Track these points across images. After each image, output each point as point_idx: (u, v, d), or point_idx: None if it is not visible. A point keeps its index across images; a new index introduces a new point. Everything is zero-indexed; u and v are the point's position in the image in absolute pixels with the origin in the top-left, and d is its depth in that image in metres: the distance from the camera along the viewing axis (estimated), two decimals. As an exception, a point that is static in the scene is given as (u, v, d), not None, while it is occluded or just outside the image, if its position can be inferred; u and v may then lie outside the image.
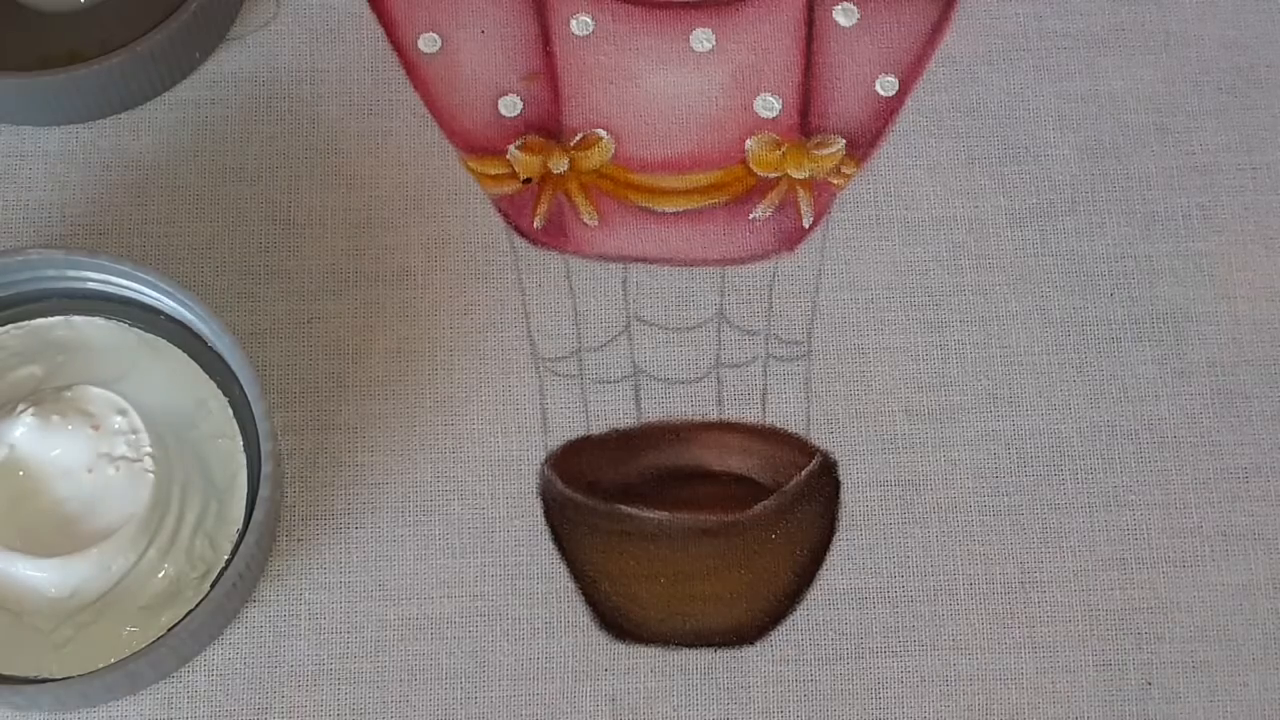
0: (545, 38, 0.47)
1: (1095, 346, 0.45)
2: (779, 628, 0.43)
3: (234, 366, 0.41)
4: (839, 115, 0.47)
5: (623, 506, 0.44)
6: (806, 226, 0.46)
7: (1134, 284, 0.46)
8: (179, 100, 0.46)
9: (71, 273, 0.42)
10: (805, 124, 0.47)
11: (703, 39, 0.47)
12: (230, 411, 0.42)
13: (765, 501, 0.44)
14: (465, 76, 0.46)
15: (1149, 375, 0.45)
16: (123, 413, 0.40)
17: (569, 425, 0.44)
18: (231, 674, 0.42)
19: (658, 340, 0.45)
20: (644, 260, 0.46)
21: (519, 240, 0.46)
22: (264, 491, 0.40)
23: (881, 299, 0.46)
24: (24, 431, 0.40)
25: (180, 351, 0.42)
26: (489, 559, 0.43)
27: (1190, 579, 0.44)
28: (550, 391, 0.45)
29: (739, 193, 0.46)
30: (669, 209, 0.46)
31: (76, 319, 0.42)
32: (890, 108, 0.47)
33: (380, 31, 0.47)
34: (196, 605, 0.40)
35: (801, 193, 0.46)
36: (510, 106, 0.46)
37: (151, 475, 0.40)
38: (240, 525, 0.41)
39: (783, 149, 0.46)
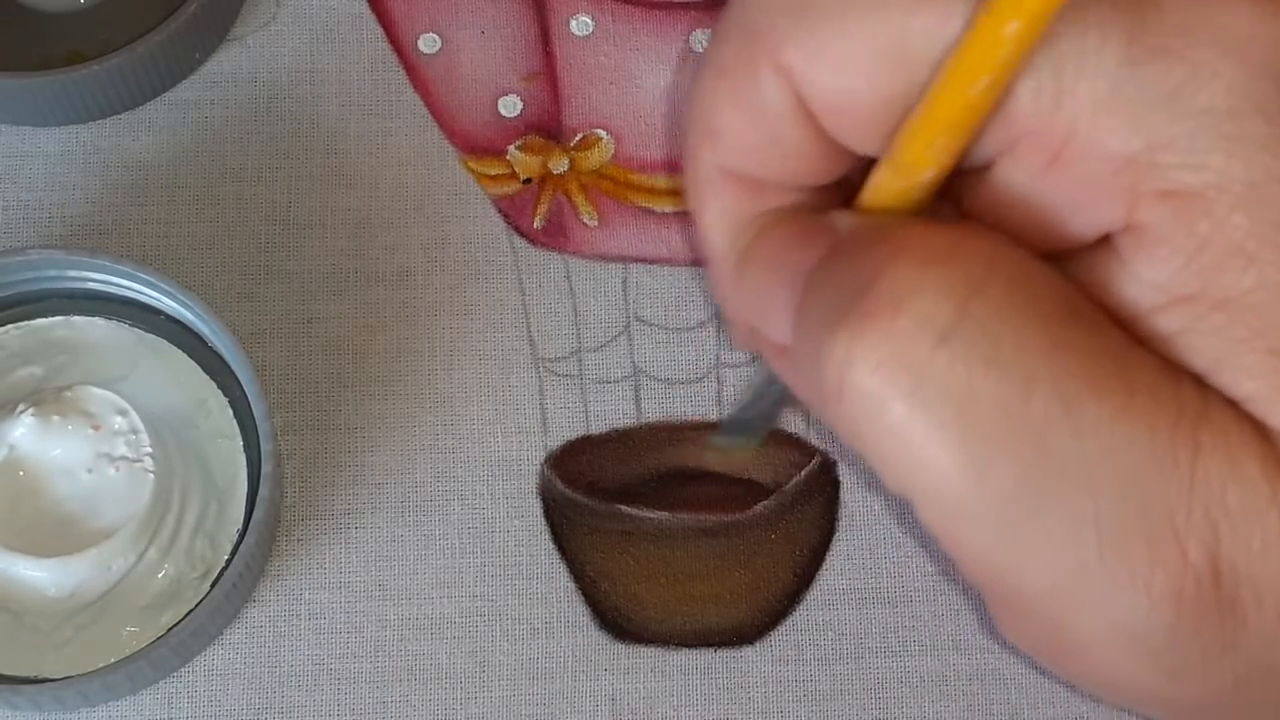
0: (545, 38, 0.47)
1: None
2: (779, 628, 0.43)
3: (234, 366, 0.41)
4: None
5: (623, 506, 0.44)
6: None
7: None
8: (179, 100, 0.46)
9: (71, 273, 0.42)
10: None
11: (702, 39, 0.47)
12: (230, 411, 0.42)
13: (765, 501, 0.44)
14: (465, 76, 0.46)
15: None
16: (123, 413, 0.40)
17: (569, 425, 0.44)
18: (231, 674, 0.42)
19: (658, 340, 0.45)
20: (644, 260, 0.46)
21: (519, 240, 0.46)
22: (264, 491, 0.40)
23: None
24: (24, 431, 0.40)
25: (180, 351, 0.42)
26: (489, 559, 0.43)
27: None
28: (550, 391, 0.45)
29: (739, 193, 0.46)
30: (669, 209, 0.46)
31: (76, 319, 0.42)
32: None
33: (380, 31, 0.47)
34: (196, 605, 0.40)
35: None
36: (510, 106, 0.46)
37: (151, 475, 0.40)
38: (240, 525, 0.41)
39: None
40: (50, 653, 0.40)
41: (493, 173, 0.46)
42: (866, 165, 0.34)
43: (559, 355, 0.45)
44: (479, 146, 0.46)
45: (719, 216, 0.36)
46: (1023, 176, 0.33)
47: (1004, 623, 0.34)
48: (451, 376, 0.45)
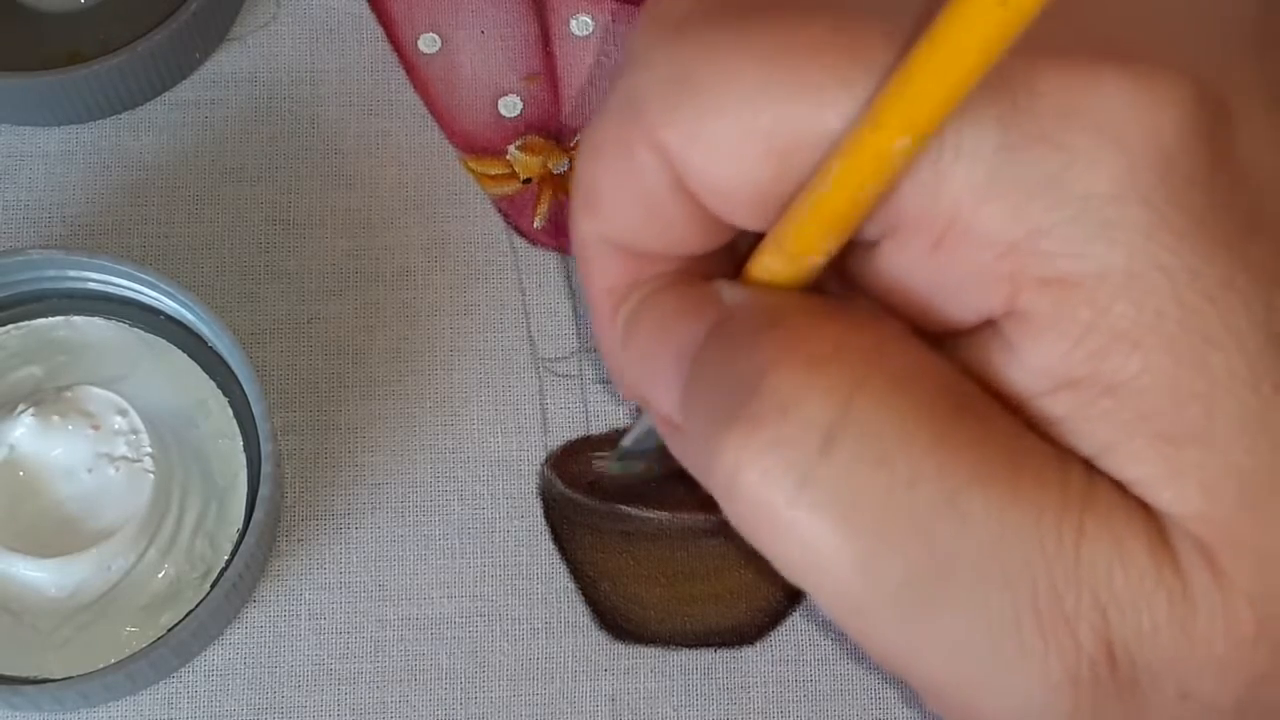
0: (545, 38, 0.47)
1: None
2: (779, 628, 0.43)
3: (234, 366, 0.41)
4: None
5: (623, 506, 0.44)
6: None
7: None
8: (179, 100, 0.46)
9: (71, 273, 0.42)
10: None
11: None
12: (230, 411, 0.42)
13: (765, 501, 0.44)
14: (465, 76, 0.46)
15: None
16: (123, 413, 0.40)
17: (569, 425, 0.44)
18: (231, 674, 0.42)
19: (658, 340, 0.45)
20: (644, 260, 0.46)
21: (519, 240, 0.46)
22: (264, 491, 0.40)
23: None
24: (24, 431, 0.40)
25: (180, 351, 0.42)
26: (489, 559, 0.43)
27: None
28: (550, 391, 0.45)
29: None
30: (669, 209, 0.46)
31: (76, 319, 0.42)
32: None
33: (380, 31, 0.47)
34: (196, 605, 0.40)
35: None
36: (510, 106, 0.46)
37: (151, 475, 0.40)
38: (240, 525, 0.41)
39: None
40: (50, 653, 0.40)
41: (493, 173, 0.46)
42: (753, 234, 0.34)
43: (559, 355, 0.45)
44: (479, 146, 0.46)
45: (603, 283, 0.36)
46: (906, 260, 0.32)
47: (925, 702, 0.34)
48: (451, 376, 0.45)
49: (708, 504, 0.44)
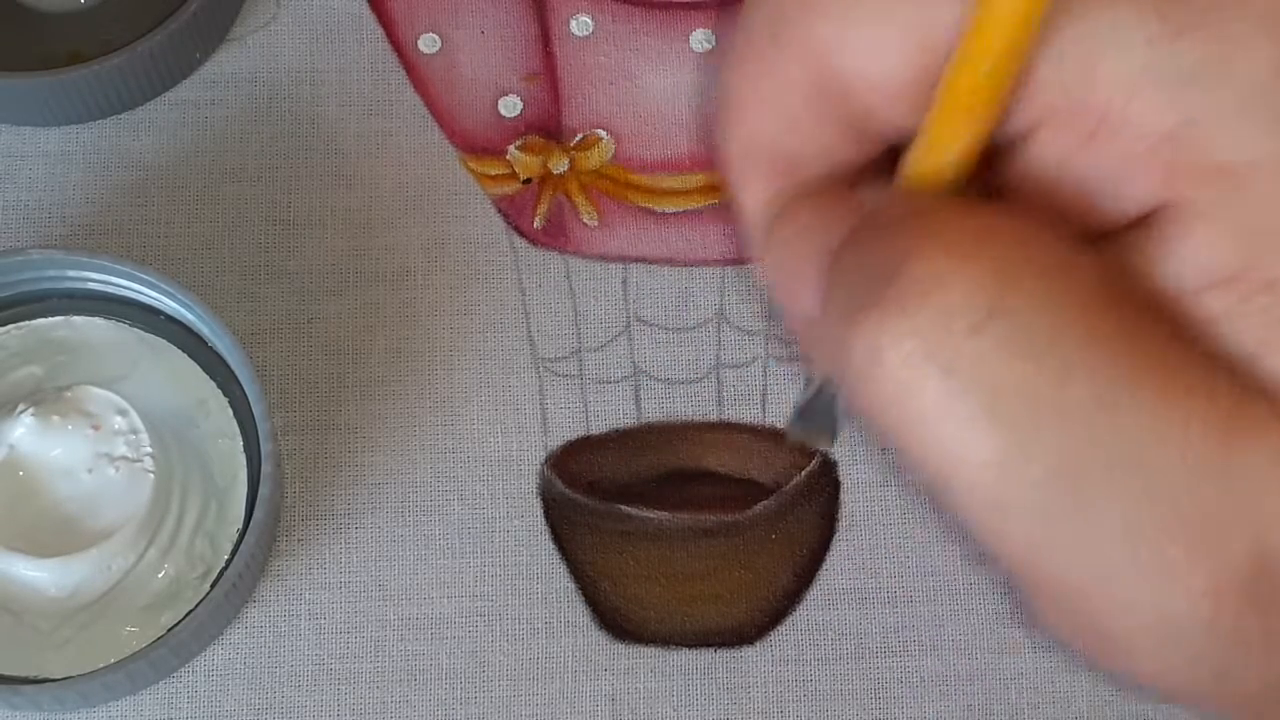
0: (545, 38, 0.47)
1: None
2: (779, 628, 0.43)
3: (234, 366, 0.41)
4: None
5: (623, 506, 0.44)
6: (806, 226, 0.46)
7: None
8: (179, 100, 0.46)
9: (72, 273, 0.42)
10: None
11: (703, 39, 0.47)
12: (230, 411, 0.42)
13: (765, 501, 0.44)
14: (465, 76, 0.46)
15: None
16: (123, 413, 0.40)
17: (569, 425, 0.44)
18: (231, 674, 0.42)
19: (658, 340, 0.45)
20: (644, 260, 0.46)
21: (519, 240, 0.46)
22: (264, 491, 0.40)
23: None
24: (24, 431, 0.40)
25: (180, 351, 0.42)
26: (489, 559, 0.43)
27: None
28: (550, 391, 0.45)
29: (739, 193, 0.46)
30: (669, 209, 0.46)
31: (76, 319, 0.42)
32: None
33: (380, 31, 0.47)
34: (196, 605, 0.40)
35: (801, 193, 0.46)
36: (510, 106, 0.46)
37: (151, 475, 0.40)
38: (240, 525, 0.41)
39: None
40: (50, 653, 0.40)
41: (493, 173, 0.46)
42: (901, 149, 0.34)
43: (559, 355, 0.45)
44: (479, 146, 0.46)
45: (753, 196, 0.36)
46: (1056, 154, 0.32)
47: (1045, 615, 0.34)
48: (451, 376, 0.45)
49: (708, 504, 0.44)
